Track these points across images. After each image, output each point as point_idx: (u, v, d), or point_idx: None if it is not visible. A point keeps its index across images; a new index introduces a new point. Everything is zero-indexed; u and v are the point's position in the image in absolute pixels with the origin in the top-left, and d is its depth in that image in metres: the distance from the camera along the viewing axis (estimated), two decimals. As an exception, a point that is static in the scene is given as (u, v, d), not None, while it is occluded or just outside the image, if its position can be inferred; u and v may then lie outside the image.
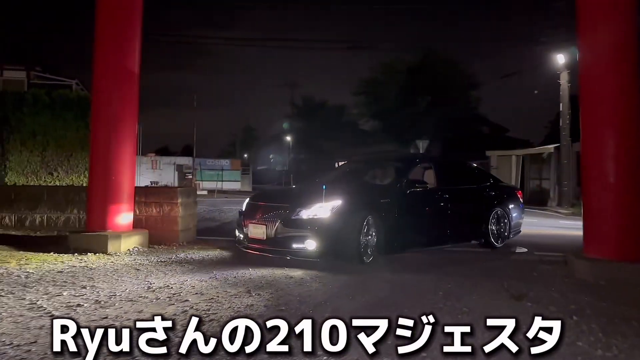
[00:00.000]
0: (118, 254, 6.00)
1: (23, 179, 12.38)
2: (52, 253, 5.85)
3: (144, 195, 7.22)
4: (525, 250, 7.39)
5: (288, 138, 51.38)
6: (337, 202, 5.52)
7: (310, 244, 5.39)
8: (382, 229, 5.78)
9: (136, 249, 6.35)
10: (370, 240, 5.69)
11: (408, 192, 6.25)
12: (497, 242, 7.24)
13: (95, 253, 5.92)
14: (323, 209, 5.48)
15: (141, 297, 3.97)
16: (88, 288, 4.18)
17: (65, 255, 5.78)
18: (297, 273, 5.09)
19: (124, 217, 6.48)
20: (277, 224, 5.60)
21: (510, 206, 7.59)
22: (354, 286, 4.59)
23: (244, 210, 6.22)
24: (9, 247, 6.17)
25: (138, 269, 5.13)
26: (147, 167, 31.20)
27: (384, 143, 32.13)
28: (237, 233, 6.21)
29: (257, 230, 5.77)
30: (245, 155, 55.19)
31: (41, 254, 5.78)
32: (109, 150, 6.50)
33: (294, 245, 5.45)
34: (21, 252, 5.90)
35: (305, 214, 5.52)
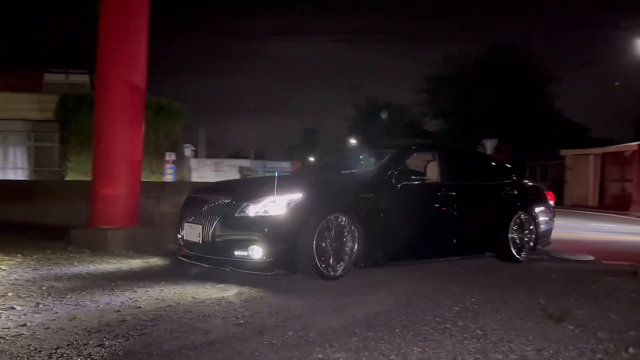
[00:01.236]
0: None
1: (83, 179, 12.52)
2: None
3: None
4: (592, 258, 6.16)
5: (353, 141, 50.76)
6: (295, 196, 4.13)
7: (256, 252, 3.99)
8: (361, 233, 4.38)
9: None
10: (340, 247, 4.26)
11: (399, 186, 4.76)
12: (520, 255, 5.60)
13: (92, 249, 5.49)
14: (276, 205, 4.06)
15: None
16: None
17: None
18: (228, 293, 3.74)
19: (124, 212, 6.03)
20: (215, 223, 4.20)
21: (538, 210, 6.00)
22: (311, 314, 3.21)
23: (182, 205, 4.82)
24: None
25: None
26: (210, 169, 32.09)
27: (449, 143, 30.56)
28: (178, 235, 4.80)
29: (192, 232, 4.38)
30: (312, 159, 55.03)
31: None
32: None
33: (237, 253, 4.06)
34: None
35: (253, 210, 4.08)
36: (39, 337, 2.65)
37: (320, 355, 2.46)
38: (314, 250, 4.04)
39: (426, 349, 2.60)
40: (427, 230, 5.06)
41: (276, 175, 4.28)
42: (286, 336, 2.74)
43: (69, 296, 3.52)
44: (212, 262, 4.25)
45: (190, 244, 4.44)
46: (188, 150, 29.00)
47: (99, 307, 3.28)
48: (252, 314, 3.20)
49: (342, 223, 4.29)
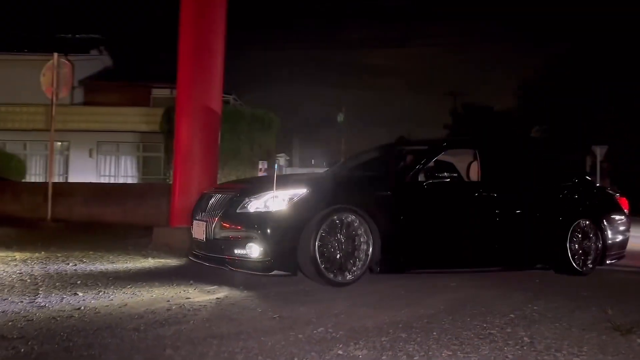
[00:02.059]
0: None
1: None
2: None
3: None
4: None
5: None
6: (299, 191, 3.87)
7: (254, 250, 3.76)
8: (377, 235, 3.99)
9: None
10: (351, 249, 3.89)
11: (426, 185, 4.34)
12: (582, 267, 4.92)
13: (169, 247, 5.81)
14: (277, 200, 3.82)
15: None
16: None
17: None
18: (276, 289, 3.64)
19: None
20: (217, 219, 4.03)
21: (606, 218, 5.22)
22: (350, 312, 3.17)
23: (196, 203, 4.66)
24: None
25: None
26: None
27: (555, 150, 28.50)
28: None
29: (199, 230, 4.22)
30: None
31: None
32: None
33: (236, 251, 3.85)
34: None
35: (254, 205, 3.86)
36: (86, 319, 2.84)
37: (340, 352, 2.38)
38: (316, 252, 3.72)
39: (458, 352, 2.42)
40: (460, 236, 4.54)
41: (275, 167, 4.04)
42: (314, 332, 2.69)
43: (129, 286, 3.75)
44: (213, 261, 4.09)
45: (197, 243, 4.29)
46: (282, 160, 29.84)
47: (152, 297, 3.45)
48: (291, 309, 3.18)
49: (354, 223, 3.93)
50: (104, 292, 3.55)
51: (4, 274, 4.10)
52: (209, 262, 4.14)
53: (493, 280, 4.44)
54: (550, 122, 31.06)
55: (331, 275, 3.80)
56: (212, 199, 4.24)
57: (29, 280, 3.86)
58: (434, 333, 2.73)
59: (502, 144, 5.69)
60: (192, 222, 4.41)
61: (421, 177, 4.39)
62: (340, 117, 34.88)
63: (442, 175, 4.35)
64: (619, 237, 5.39)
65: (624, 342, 2.68)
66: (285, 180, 4.10)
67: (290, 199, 3.83)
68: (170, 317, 2.94)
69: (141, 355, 2.26)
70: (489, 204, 4.65)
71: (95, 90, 22.23)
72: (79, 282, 3.87)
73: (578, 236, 4.95)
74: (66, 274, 4.20)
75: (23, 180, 15.67)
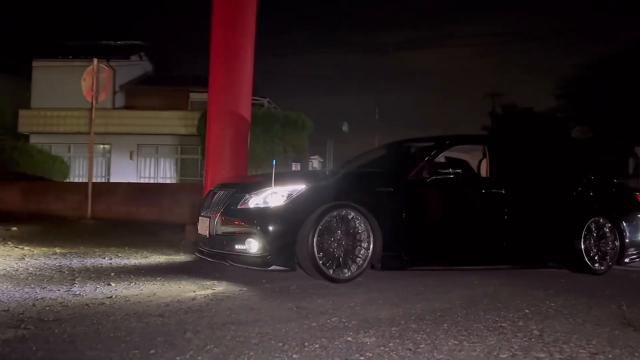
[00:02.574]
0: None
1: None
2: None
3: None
4: None
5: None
6: (297, 187, 3.91)
7: (253, 246, 3.83)
8: (378, 231, 4.01)
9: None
10: (351, 246, 3.94)
11: (429, 181, 4.33)
12: (597, 266, 4.81)
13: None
14: (276, 196, 3.88)
15: None
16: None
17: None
18: (237, 289, 3.56)
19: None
20: (218, 215, 4.12)
21: (625, 216, 5.09)
22: (366, 305, 3.31)
23: (203, 199, 4.73)
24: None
25: None
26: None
27: (596, 152, 27.56)
28: None
29: (203, 225, 4.29)
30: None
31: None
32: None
33: (236, 247, 3.92)
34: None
35: (254, 201, 3.92)
36: (116, 306, 3.05)
37: (349, 339, 2.48)
38: (315, 247, 3.77)
39: (464, 342, 2.49)
40: (465, 233, 4.52)
41: (274, 164, 4.09)
42: (328, 321, 2.81)
43: (159, 279, 3.96)
44: (216, 257, 4.15)
45: (202, 238, 4.37)
46: (316, 162, 30.01)
47: (179, 288, 3.64)
48: (309, 301, 3.31)
49: (354, 219, 3.95)
50: (135, 283, 3.76)
51: (45, 266, 4.39)
52: (212, 258, 4.20)
53: (517, 279, 4.43)
54: (592, 123, 30.14)
55: (330, 271, 3.83)
56: (216, 196, 4.33)
57: (66, 272, 4.13)
58: (445, 325, 2.80)
59: (511, 141, 5.54)
60: (198, 218, 4.46)
61: (426, 174, 4.38)
62: (345, 127, 34.98)
63: (446, 171, 4.32)
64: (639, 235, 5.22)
65: (635, 336, 2.68)
66: (285, 177, 4.18)
67: (289, 195, 3.88)
68: (194, 305, 3.11)
69: (163, 338, 2.43)
70: (496, 200, 4.62)
71: (136, 94, 22.98)
72: (112, 274, 4.11)
73: (593, 235, 4.86)
74: (102, 267, 4.46)
75: (66, 181, 16.40)
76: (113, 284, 3.69)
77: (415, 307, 3.22)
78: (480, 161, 4.93)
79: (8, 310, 2.88)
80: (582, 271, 4.80)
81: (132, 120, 21.40)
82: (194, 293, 3.46)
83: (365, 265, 3.98)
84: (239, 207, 3.97)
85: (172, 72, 25.72)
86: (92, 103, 8.30)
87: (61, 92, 20.96)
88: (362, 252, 3.97)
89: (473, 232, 4.56)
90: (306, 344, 2.39)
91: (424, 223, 4.35)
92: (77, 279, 3.85)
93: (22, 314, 2.81)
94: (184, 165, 21.53)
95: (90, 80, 8.17)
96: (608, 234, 4.95)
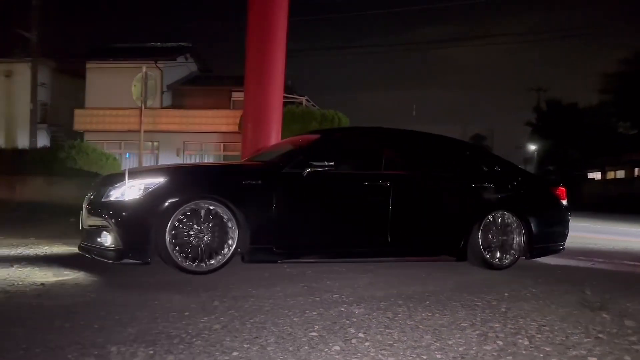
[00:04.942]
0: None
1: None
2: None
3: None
4: None
5: (533, 147, 47.65)
6: (155, 180, 3.92)
7: (108, 239, 3.88)
8: (245, 225, 4.04)
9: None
10: (213, 238, 3.97)
11: (306, 174, 4.31)
12: (497, 260, 4.82)
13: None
14: (133, 189, 3.89)
15: None
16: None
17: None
18: (263, 273, 4.10)
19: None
20: (85, 208, 4.22)
21: (531, 209, 5.03)
22: (367, 287, 4.03)
23: None
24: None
25: None
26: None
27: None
28: None
29: (81, 218, 4.32)
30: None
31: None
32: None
33: (97, 240, 3.97)
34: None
35: (114, 195, 3.95)
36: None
37: (342, 309, 3.08)
38: (168, 240, 3.82)
39: (436, 314, 3.04)
40: (344, 226, 4.55)
41: (127, 156, 4.08)
42: (330, 297, 3.40)
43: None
44: (84, 250, 4.18)
45: (80, 232, 4.39)
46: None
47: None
48: (319, 282, 3.90)
49: (216, 212, 3.98)
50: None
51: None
52: (81, 251, 4.25)
53: (519, 271, 4.89)
54: (636, 119, 29.35)
55: (185, 263, 3.89)
56: (92, 189, 4.43)
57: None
58: (427, 302, 3.35)
59: (405, 135, 5.35)
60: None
61: (299, 167, 4.36)
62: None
63: (320, 164, 4.32)
64: (550, 230, 5.20)
65: (588, 314, 3.15)
66: (149, 170, 4.29)
67: (146, 188, 3.88)
68: (226, 282, 3.76)
69: (196, 305, 3.08)
70: (379, 193, 4.59)
71: (182, 94, 24.19)
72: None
73: (492, 228, 4.85)
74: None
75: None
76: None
77: (409, 289, 3.77)
78: (373, 155, 4.91)
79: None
80: (480, 265, 4.82)
81: (178, 118, 22.57)
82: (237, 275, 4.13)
83: (228, 257, 4.03)
84: (102, 200, 4.02)
85: (215, 72, 26.81)
86: (141, 108, 9.17)
87: (112, 92, 22.35)
88: (226, 244, 4.02)
89: (352, 225, 4.58)
90: (307, 311, 3.00)
91: (298, 216, 4.38)
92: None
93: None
94: (226, 162, 22.55)
95: (140, 87, 9.03)
96: (512, 228, 4.92)
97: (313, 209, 4.47)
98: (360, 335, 2.56)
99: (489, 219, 4.86)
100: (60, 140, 22.71)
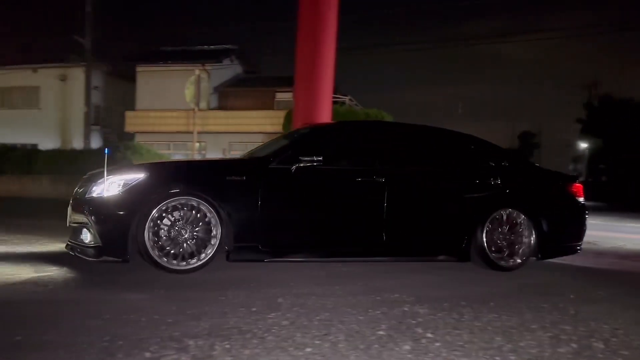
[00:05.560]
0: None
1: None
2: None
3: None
4: None
5: (584, 145, 46.07)
6: (135, 176, 3.80)
7: (87, 236, 3.83)
8: (228, 222, 3.89)
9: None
10: (193, 235, 3.83)
11: (294, 170, 4.10)
12: (504, 261, 4.51)
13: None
14: (112, 185, 3.79)
15: None
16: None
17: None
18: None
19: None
20: (70, 205, 4.14)
21: (542, 207, 4.70)
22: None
23: None
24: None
25: None
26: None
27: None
28: None
29: (68, 215, 4.22)
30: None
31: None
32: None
33: (80, 237, 3.91)
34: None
35: (96, 191, 3.84)
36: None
37: (405, 309, 3.07)
38: (147, 238, 3.71)
39: (502, 315, 2.99)
40: (334, 224, 4.32)
41: (106, 152, 3.96)
42: (391, 296, 3.40)
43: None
44: (69, 247, 4.10)
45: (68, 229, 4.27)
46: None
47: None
48: (379, 281, 3.92)
49: (198, 209, 3.85)
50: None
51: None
52: (67, 249, 4.15)
53: (570, 271, 4.75)
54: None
55: (164, 261, 3.76)
56: (78, 185, 4.30)
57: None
58: (491, 304, 3.29)
59: (400, 130, 5.09)
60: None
61: (287, 162, 4.16)
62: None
63: (308, 159, 4.12)
64: (566, 230, 4.88)
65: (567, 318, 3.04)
66: (131, 166, 4.18)
67: (125, 184, 3.77)
68: (284, 280, 3.82)
69: (259, 305, 3.15)
70: (373, 190, 4.34)
71: (227, 95, 24.64)
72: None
73: (498, 227, 4.55)
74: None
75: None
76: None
77: (469, 290, 3.72)
78: (368, 149, 4.69)
79: None
80: (484, 266, 4.54)
81: (224, 119, 23.01)
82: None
83: (210, 256, 3.89)
84: (85, 196, 3.91)
85: (260, 73, 27.18)
86: (194, 109, 9.41)
87: (162, 94, 23.02)
88: (208, 243, 3.88)
89: (343, 223, 4.35)
90: (370, 310, 3.01)
91: (285, 214, 4.19)
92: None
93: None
94: (271, 162, 22.83)
95: (193, 89, 9.28)
96: (521, 227, 4.60)
97: (301, 206, 4.26)
98: (429, 335, 2.55)
99: (495, 218, 4.55)
100: (112, 141, 23.58)
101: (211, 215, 3.87)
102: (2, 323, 2.57)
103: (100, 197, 3.80)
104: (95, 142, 23.07)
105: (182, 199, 3.82)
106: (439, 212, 4.57)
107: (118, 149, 13.38)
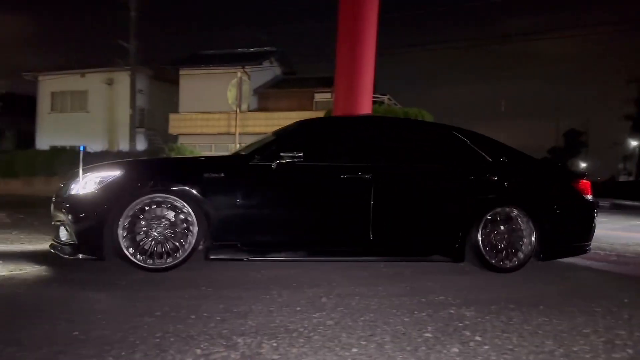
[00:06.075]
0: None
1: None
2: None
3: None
4: None
5: (634, 143, 44.37)
6: (111, 174, 3.77)
7: (64, 234, 3.81)
8: (206, 219, 3.84)
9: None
10: (169, 234, 3.77)
11: (274, 166, 3.99)
12: (502, 262, 4.30)
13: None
14: (89, 183, 3.76)
15: None
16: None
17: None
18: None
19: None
20: (52, 203, 4.05)
21: (544, 205, 4.44)
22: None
23: None
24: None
25: None
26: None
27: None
28: None
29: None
30: (584, 165, 50.11)
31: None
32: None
33: (59, 234, 3.89)
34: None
35: (74, 189, 3.80)
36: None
37: (452, 311, 3.03)
38: (121, 236, 3.68)
39: (553, 319, 2.90)
40: (318, 222, 4.17)
41: (82, 149, 3.87)
42: (435, 298, 3.36)
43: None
44: (52, 246, 4.04)
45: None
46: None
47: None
48: (421, 283, 3.87)
49: (175, 206, 3.79)
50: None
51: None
52: (51, 248, 4.06)
53: (614, 274, 4.57)
54: None
55: (138, 259, 3.73)
56: (64, 183, 4.22)
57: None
58: (540, 307, 3.21)
59: (390, 125, 4.92)
60: None
61: (267, 159, 4.07)
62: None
63: (288, 155, 4.02)
64: (571, 229, 4.59)
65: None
66: (109, 164, 4.08)
67: (101, 181, 3.76)
68: (329, 280, 3.84)
69: (304, 304, 3.17)
70: (359, 187, 4.19)
71: (267, 97, 24.93)
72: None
73: (495, 226, 4.34)
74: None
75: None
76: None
77: (516, 293, 3.63)
78: (356, 145, 4.56)
79: None
80: (480, 267, 4.35)
81: (263, 121, 23.25)
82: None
83: (187, 254, 3.83)
84: (65, 194, 3.88)
85: (298, 73, 27.35)
86: (236, 111, 9.57)
87: (204, 97, 23.49)
88: (185, 241, 3.82)
89: (327, 222, 4.21)
90: (415, 312, 2.99)
91: (266, 211, 4.08)
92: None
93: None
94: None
95: (235, 91, 9.43)
96: (520, 226, 4.38)
97: (283, 203, 4.14)
98: (477, 338, 2.51)
99: (492, 216, 4.34)
100: (156, 143, 24.22)
101: (187, 213, 3.81)
102: (81, 317, 2.69)
103: (77, 194, 3.78)
104: (141, 144, 23.75)
105: (158, 197, 3.78)
106: (431, 211, 4.38)
107: (163, 151, 13.71)
